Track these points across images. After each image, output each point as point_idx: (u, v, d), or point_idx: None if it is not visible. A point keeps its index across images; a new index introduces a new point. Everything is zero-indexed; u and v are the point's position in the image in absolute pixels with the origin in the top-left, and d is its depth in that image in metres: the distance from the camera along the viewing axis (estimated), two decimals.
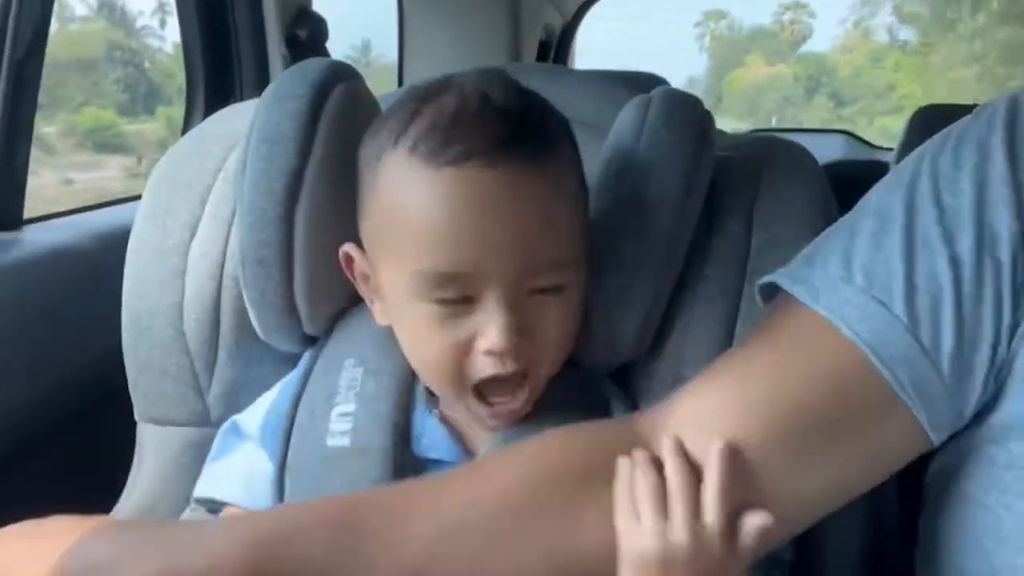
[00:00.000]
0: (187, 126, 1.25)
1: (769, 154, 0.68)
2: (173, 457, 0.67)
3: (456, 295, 0.51)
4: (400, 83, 1.80)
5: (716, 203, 0.64)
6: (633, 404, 0.61)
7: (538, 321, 0.53)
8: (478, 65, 0.59)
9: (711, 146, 0.63)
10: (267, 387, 0.65)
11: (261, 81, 1.23)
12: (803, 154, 0.69)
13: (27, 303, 0.86)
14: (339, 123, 0.61)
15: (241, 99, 1.24)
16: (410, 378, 0.59)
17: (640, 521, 0.43)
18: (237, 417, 0.63)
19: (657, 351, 0.62)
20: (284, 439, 0.58)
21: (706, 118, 0.64)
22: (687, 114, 0.63)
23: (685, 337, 0.62)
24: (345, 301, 0.65)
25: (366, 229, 0.57)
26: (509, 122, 0.51)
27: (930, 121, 1.81)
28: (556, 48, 2.62)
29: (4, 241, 0.92)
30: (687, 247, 0.61)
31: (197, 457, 0.65)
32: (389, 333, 0.58)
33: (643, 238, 0.58)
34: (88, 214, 1.09)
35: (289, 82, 0.62)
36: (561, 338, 0.55)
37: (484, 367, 0.52)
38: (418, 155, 0.51)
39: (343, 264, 0.59)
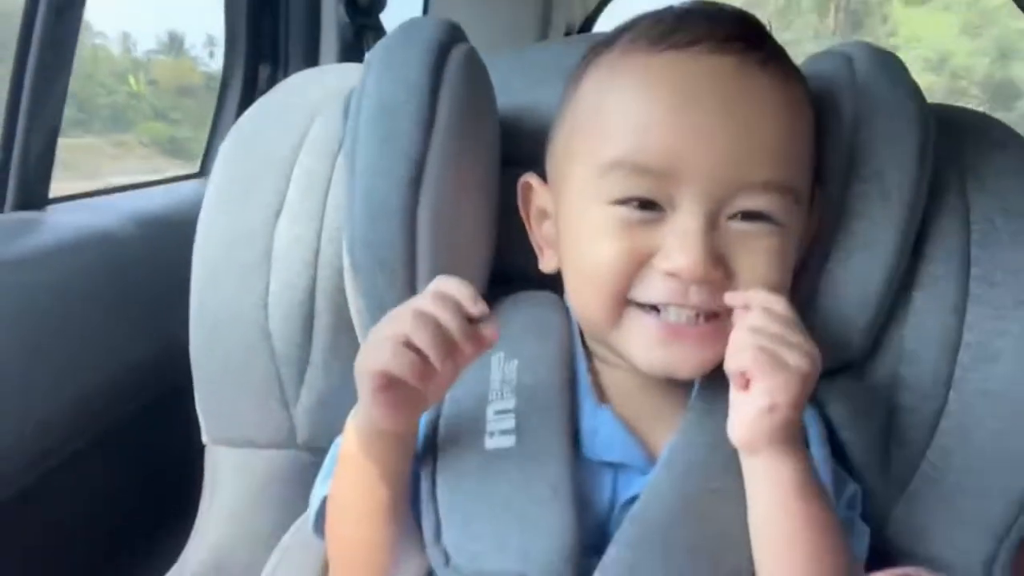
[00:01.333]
0: (223, 94, 1.12)
1: (968, 121, 0.57)
2: (255, 488, 0.55)
3: (647, 194, 0.44)
4: None
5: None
6: (842, 411, 0.51)
7: (739, 254, 0.44)
8: (505, 46, 0.54)
9: (928, 110, 0.52)
10: None
11: (310, 49, 1.09)
12: (998, 122, 0.58)
13: (53, 285, 0.74)
14: (462, 93, 0.51)
15: (285, 70, 1.11)
16: (572, 367, 0.49)
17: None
18: None
19: (877, 347, 0.52)
20: (429, 445, 0.46)
21: (912, 78, 0.52)
22: (900, 71, 0.52)
23: (904, 328, 0.51)
24: None
25: (554, 150, 0.51)
26: (743, 23, 0.46)
27: None
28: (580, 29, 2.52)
29: (28, 220, 0.81)
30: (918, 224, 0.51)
31: (285, 488, 0.53)
32: (540, 322, 0.51)
33: (878, 215, 0.48)
34: (113, 196, 0.98)
35: (398, 43, 0.51)
36: (770, 286, 0.44)
37: (660, 291, 0.44)
38: (638, 44, 0.46)
39: (520, 198, 0.53)
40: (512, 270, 0.56)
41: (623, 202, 0.44)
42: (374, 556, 0.44)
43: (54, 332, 0.71)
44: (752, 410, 0.41)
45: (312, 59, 1.13)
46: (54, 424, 0.71)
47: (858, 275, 0.48)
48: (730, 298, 0.44)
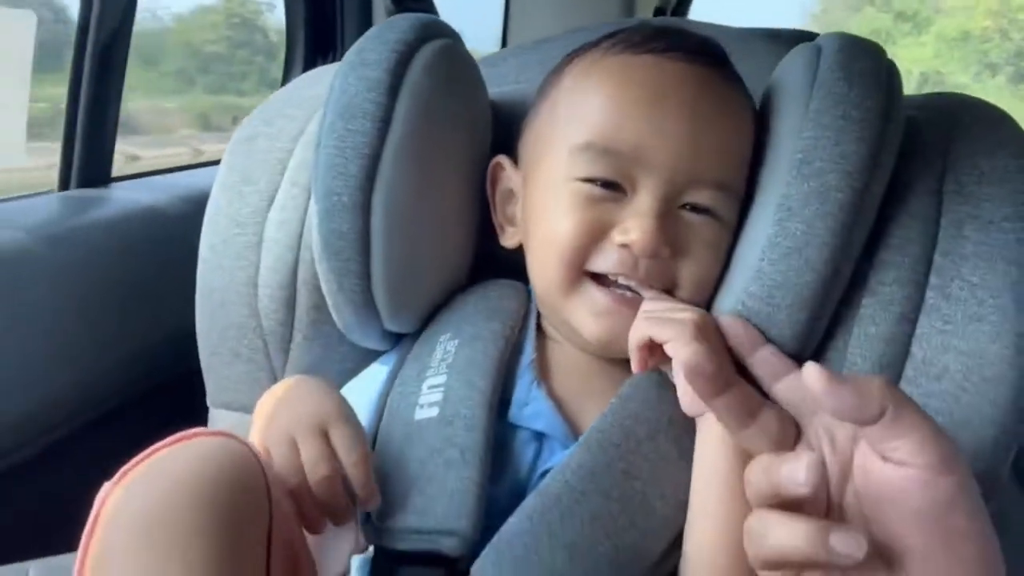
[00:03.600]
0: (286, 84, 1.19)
1: (962, 115, 0.53)
2: None
3: (612, 175, 0.49)
4: (504, 38, 1.67)
5: (898, 175, 0.50)
6: None
7: (685, 240, 0.49)
8: (589, 22, 0.57)
9: (900, 105, 0.49)
10: (348, 373, 0.58)
11: None
12: (1004, 117, 0.54)
13: (113, 259, 0.82)
14: (425, 92, 0.53)
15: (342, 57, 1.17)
16: (513, 342, 0.53)
17: None
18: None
19: (815, 358, 0.49)
20: (374, 421, 0.51)
21: (893, 71, 0.50)
22: (870, 63, 0.49)
23: (848, 337, 0.49)
24: (437, 296, 0.58)
25: (528, 136, 0.56)
26: (708, 44, 0.53)
27: None
28: (673, 12, 2.41)
29: (93, 197, 0.90)
30: (867, 233, 0.48)
31: None
32: (492, 305, 0.55)
33: (816, 219, 0.46)
34: (173, 175, 1.06)
35: (368, 44, 0.54)
36: (704, 273, 0.50)
37: (613, 261, 0.49)
38: (618, 47, 0.52)
39: (488, 178, 0.58)
40: (501, 255, 0.59)
41: (589, 180, 0.49)
42: None
43: (102, 302, 0.80)
44: (677, 372, 0.45)
45: None
46: (99, 384, 0.80)
47: (791, 277, 0.46)
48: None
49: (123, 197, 0.91)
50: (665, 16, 2.13)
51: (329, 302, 0.55)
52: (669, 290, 0.50)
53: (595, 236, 0.49)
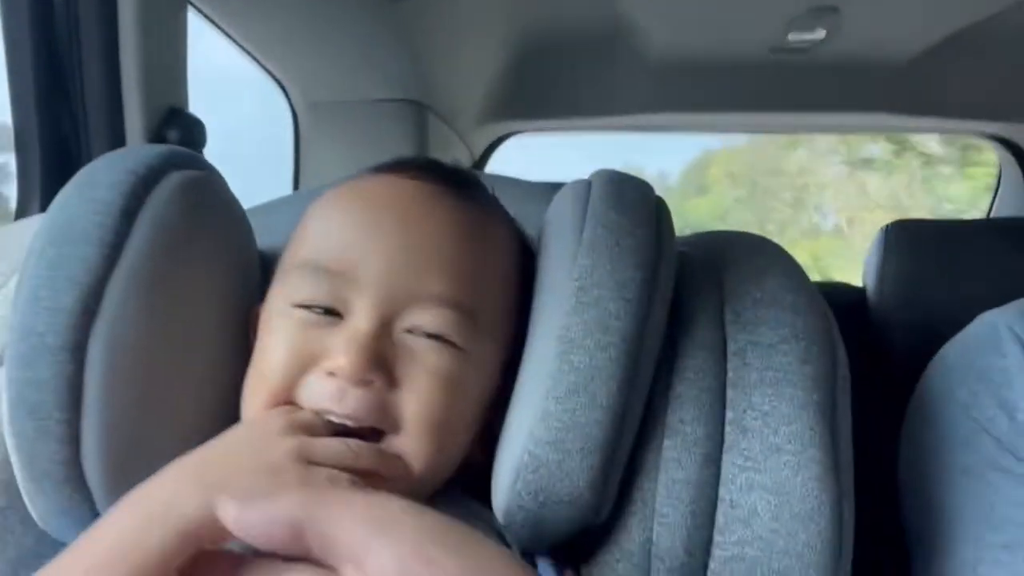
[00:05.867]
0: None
1: (734, 248, 0.54)
2: None
3: (326, 299, 0.44)
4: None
5: (678, 307, 0.49)
6: None
7: (406, 367, 0.43)
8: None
9: (672, 235, 0.49)
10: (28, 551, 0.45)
11: None
12: (773, 246, 0.56)
13: None
14: (169, 221, 0.45)
15: None
16: None
17: None
18: None
19: (617, 511, 0.45)
20: None
21: (662, 204, 0.50)
22: (638, 195, 0.49)
23: (654, 486, 0.44)
24: None
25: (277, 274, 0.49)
26: (459, 171, 0.51)
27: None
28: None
29: None
30: (654, 366, 0.46)
31: None
32: None
33: (598, 350, 0.42)
34: None
35: (100, 168, 0.46)
36: (430, 409, 0.43)
37: (318, 393, 0.42)
38: (369, 172, 0.50)
39: (249, 328, 0.49)
40: None
41: (306, 307, 0.44)
42: None
43: None
44: None
45: None
46: None
47: (579, 417, 0.41)
48: None
49: None
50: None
51: (21, 483, 0.42)
52: (388, 430, 0.43)
53: (304, 366, 0.43)
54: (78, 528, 0.43)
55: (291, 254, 0.48)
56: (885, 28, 1.21)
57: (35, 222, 0.57)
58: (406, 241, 0.44)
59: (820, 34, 1.22)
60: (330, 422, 0.42)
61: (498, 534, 0.44)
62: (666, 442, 0.45)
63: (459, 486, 0.47)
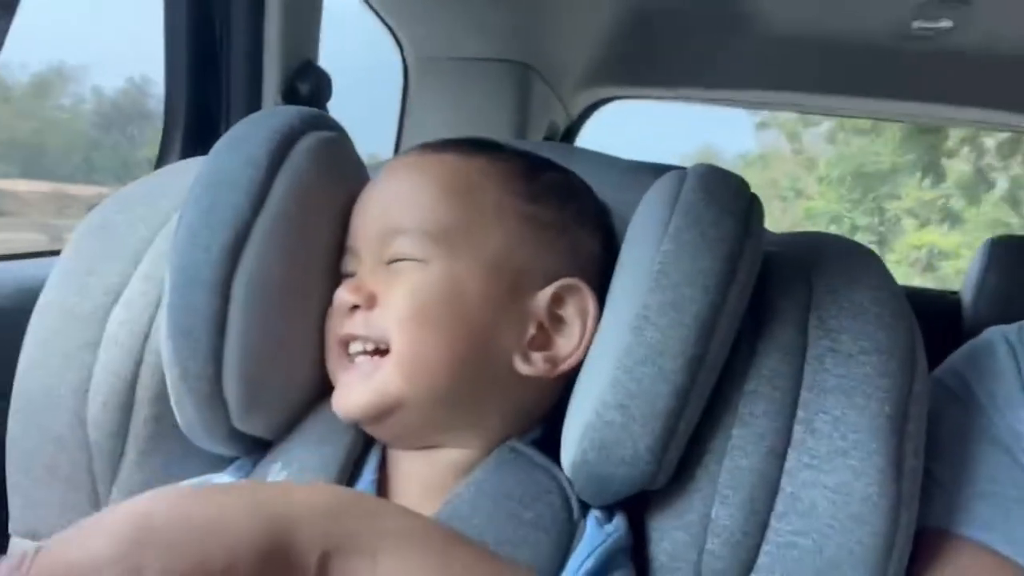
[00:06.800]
0: None
1: (826, 251, 0.55)
2: None
3: (350, 269, 0.53)
4: (396, 151, 1.71)
5: (763, 306, 0.51)
6: (638, 541, 0.48)
7: (388, 287, 0.50)
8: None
9: (759, 231, 0.50)
10: None
11: None
12: (864, 251, 0.56)
13: None
14: (305, 177, 0.51)
15: None
16: (351, 463, 0.51)
17: None
18: None
19: (681, 483, 0.48)
20: None
21: (755, 199, 0.52)
22: (731, 189, 0.51)
23: (719, 468, 0.48)
24: (295, 398, 0.53)
25: None
26: (478, 140, 0.56)
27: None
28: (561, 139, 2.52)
29: None
30: (727, 353, 0.48)
31: None
32: (325, 428, 0.51)
33: (671, 328, 0.45)
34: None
35: (250, 126, 0.52)
36: (401, 315, 0.49)
37: (340, 324, 0.51)
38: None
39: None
40: None
41: (344, 276, 0.54)
42: None
43: None
44: None
45: None
46: None
47: (646, 386, 0.45)
48: None
49: None
50: (553, 142, 2.23)
51: (171, 394, 0.49)
52: (382, 347, 0.49)
53: (336, 313, 0.53)
54: (217, 437, 0.51)
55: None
56: (1015, 22, 1.14)
57: (193, 165, 0.64)
58: (383, 197, 0.53)
59: (946, 24, 1.17)
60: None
61: (560, 487, 0.48)
62: (735, 431, 0.48)
63: (533, 444, 0.51)
